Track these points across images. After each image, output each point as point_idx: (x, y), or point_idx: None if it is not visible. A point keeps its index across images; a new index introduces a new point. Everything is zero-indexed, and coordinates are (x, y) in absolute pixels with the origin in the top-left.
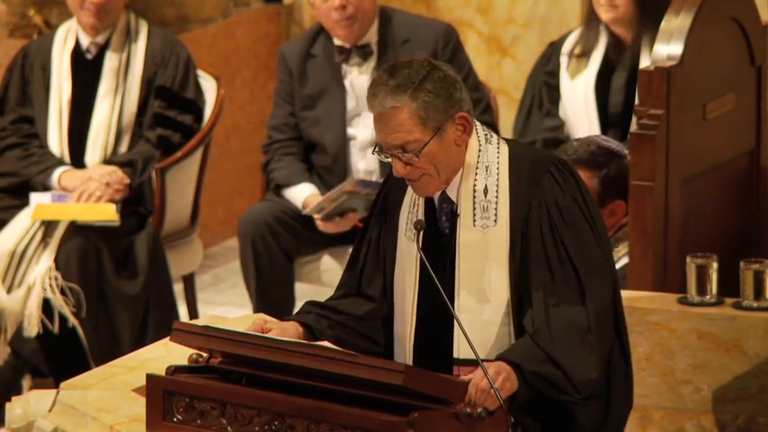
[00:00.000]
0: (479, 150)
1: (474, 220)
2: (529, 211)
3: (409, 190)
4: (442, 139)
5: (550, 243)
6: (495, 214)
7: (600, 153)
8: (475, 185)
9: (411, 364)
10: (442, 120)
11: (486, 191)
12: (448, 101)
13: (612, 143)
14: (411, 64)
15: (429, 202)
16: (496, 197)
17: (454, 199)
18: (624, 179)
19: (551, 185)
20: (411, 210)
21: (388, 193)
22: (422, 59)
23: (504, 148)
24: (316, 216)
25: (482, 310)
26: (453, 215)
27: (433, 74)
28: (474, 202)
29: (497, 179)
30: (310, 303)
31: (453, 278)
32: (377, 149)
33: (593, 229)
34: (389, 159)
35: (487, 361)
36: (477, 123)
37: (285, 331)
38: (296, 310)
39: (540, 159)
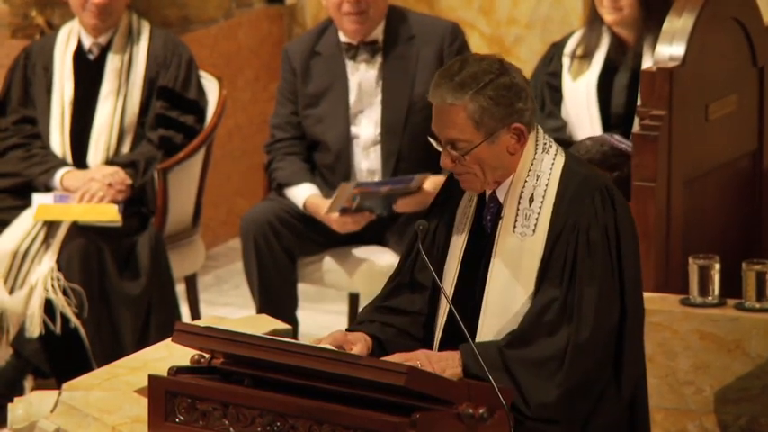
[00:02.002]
0: (534, 159)
1: (515, 226)
2: (562, 229)
3: None
4: (492, 145)
5: (568, 269)
6: (536, 224)
7: (613, 154)
8: (522, 192)
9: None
10: (497, 127)
11: (531, 199)
12: (507, 109)
13: (626, 143)
14: (482, 62)
15: (482, 198)
16: (540, 208)
17: (501, 201)
18: None
19: (589, 213)
20: (467, 205)
21: (449, 187)
22: (495, 59)
23: (560, 161)
24: (334, 215)
25: (506, 315)
26: (497, 216)
27: (499, 79)
28: (518, 208)
29: (545, 190)
30: (368, 311)
31: (485, 279)
32: (432, 137)
33: (614, 266)
34: (440, 149)
35: None
36: (540, 131)
37: (367, 343)
38: (298, 310)
39: (588, 180)
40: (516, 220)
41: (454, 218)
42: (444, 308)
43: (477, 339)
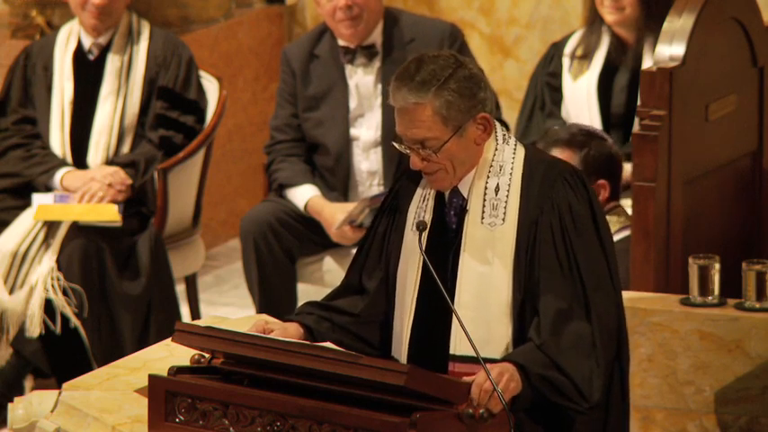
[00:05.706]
0: (495, 150)
1: (482, 217)
2: (540, 215)
3: (420, 186)
4: (461, 138)
5: (562, 251)
6: (504, 213)
7: (580, 133)
8: (487, 183)
9: (406, 358)
10: (464, 119)
11: (497, 189)
12: (471, 101)
13: (593, 128)
14: (437, 59)
15: (439, 196)
16: (507, 196)
17: (465, 195)
18: (607, 159)
19: (565, 192)
20: (420, 205)
21: (399, 189)
22: (449, 54)
23: (521, 151)
24: (346, 227)
25: (481, 307)
26: (462, 210)
27: (458, 72)
28: (484, 200)
29: (510, 179)
30: (311, 304)
31: (455, 274)
32: (396, 140)
33: (601, 242)
34: (407, 151)
35: (487, 360)
36: (497, 124)
37: (286, 331)
38: None
39: (554, 165)
40: (484, 211)
41: (405, 219)
42: (410, 303)
43: (453, 332)
